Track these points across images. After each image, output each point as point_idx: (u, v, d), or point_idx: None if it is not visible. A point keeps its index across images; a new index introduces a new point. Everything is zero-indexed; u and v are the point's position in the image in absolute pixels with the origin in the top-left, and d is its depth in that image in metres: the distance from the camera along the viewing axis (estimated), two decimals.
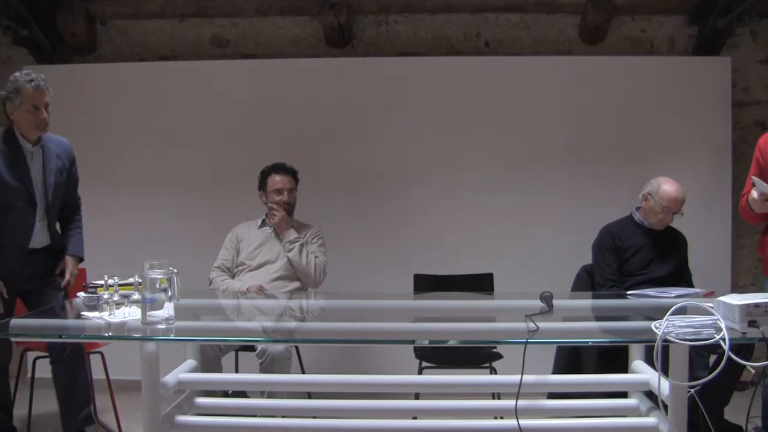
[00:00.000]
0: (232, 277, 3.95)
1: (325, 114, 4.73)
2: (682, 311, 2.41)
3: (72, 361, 3.37)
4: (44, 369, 3.46)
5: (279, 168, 4.02)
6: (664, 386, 2.64)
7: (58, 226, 3.50)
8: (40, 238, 3.36)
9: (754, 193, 3.19)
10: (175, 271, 2.59)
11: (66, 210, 3.54)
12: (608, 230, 3.82)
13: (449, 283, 4.03)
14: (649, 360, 2.82)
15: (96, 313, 2.75)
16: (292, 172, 4.04)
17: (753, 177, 3.22)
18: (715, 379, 2.37)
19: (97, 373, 3.59)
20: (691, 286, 3.68)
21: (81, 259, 3.53)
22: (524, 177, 4.67)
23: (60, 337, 3.07)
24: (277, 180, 3.99)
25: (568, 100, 4.68)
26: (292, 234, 3.93)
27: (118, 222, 4.28)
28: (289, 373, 3.51)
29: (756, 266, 4.73)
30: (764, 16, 4.76)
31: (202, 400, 3.05)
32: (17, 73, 3.27)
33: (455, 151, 4.70)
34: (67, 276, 3.40)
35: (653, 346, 2.29)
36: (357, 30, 4.95)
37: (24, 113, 3.26)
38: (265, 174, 4.02)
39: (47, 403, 3.87)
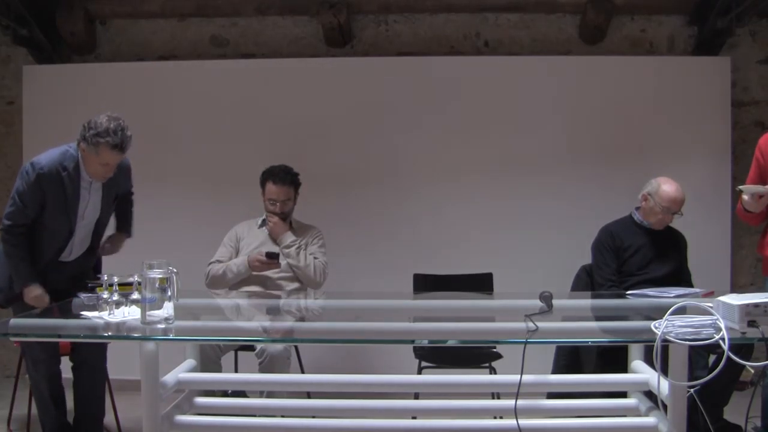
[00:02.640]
0: None
1: (325, 114, 4.73)
2: (681, 311, 2.41)
3: (96, 368, 3.41)
4: None
5: (276, 176, 3.92)
6: (663, 386, 2.64)
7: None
8: (73, 254, 3.36)
9: (745, 197, 3.21)
10: (175, 271, 2.59)
11: (122, 203, 3.57)
12: (608, 230, 3.82)
13: (449, 283, 4.03)
14: (649, 360, 2.82)
15: (96, 313, 2.75)
16: (290, 180, 3.94)
17: (741, 187, 3.25)
18: (715, 379, 2.37)
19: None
20: (691, 285, 3.68)
21: (128, 236, 3.55)
22: (524, 177, 4.67)
23: (60, 336, 3.09)
24: (272, 190, 3.92)
25: (568, 100, 4.68)
26: (287, 238, 3.90)
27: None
28: (288, 372, 3.51)
29: (756, 266, 4.73)
30: (764, 16, 4.76)
31: (201, 400, 3.05)
32: (106, 122, 3.09)
33: (455, 151, 4.70)
34: (107, 244, 3.40)
35: (653, 346, 2.29)
36: (357, 30, 4.95)
37: (94, 163, 3.16)
38: (264, 177, 3.97)
39: None
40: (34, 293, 3.18)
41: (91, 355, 3.42)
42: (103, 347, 3.46)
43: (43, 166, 3.13)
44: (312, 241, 3.98)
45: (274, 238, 3.93)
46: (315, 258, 3.91)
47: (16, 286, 3.20)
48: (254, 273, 3.83)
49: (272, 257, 3.76)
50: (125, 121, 3.17)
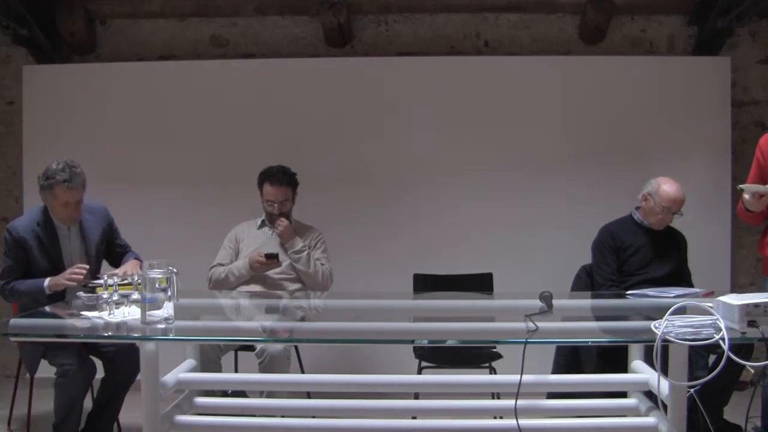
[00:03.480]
0: None
1: (325, 114, 4.73)
2: (681, 311, 2.41)
3: (126, 365, 3.38)
4: (43, 369, 3.45)
5: (273, 177, 3.91)
6: (663, 386, 2.65)
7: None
8: (66, 294, 3.40)
9: (746, 196, 3.21)
10: (175, 271, 2.59)
11: (117, 254, 3.66)
12: (608, 230, 3.82)
13: (449, 283, 4.03)
14: (649, 360, 2.82)
15: (96, 313, 2.75)
16: (287, 181, 3.93)
17: (741, 186, 3.25)
18: (715, 379, 2.37)
19: (96, 372, 3.59)
20: (691, 285, 3.68)
21: (140, 261, 3.55)
22: (524, 177, 4.67)
23: (59, 336, 3.09)
24: (269, 191, 3.92)
25: (568, 100, 4.68)
26: (297, 243, 3.88)
27: (118, 222, 4.27)
28: (288, 372, 3.50)
29: (756, 266, 4.73)
30: (764, 16, 4.76)
31: (201, 400, 3.06)
32: (54, 165, 3.30)
33: (455, 151, 4.70)
34: (120, 270, 3.42)
35: (653, 346, 2.29)
36: (357, 30, 4.95)
37: (56, 207, 3.36)
38: (261, 178, 3.96)
39: (47, 403, 3.87)
40: (56, 281, 3.26)
41: (122, 356, 3.39)
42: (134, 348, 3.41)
43: (16, 227, 3.39)
44: (315, 245, 3.97)
45: (284, 243, 3.91)
46: (322, 264, 3.92)
47: (42, 298, 3.31)
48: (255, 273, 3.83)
49: (271, 257, 3.76)
50: (74, 161, 3.38)
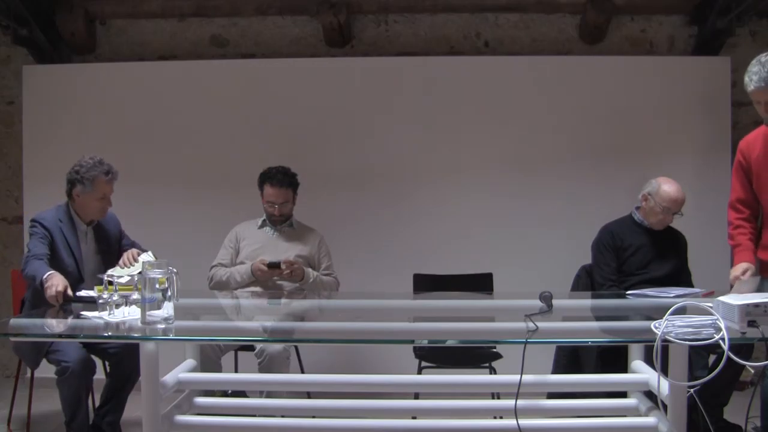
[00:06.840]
0: None
1: (324, 114, 4.73)
2: (681, 311, 2.41)
3: (128, 364, 3.39)
4: (43, 369, 3.46)
5: (274, 178, 3.90)
6: (663, 386, 2.65)
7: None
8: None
9: (737, 271, 3.09)
10: (175, 271, 2.59)
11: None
12: (608, 230, 3.82)
13: (448, 283, 4.03)
14: (649, 360, 2.82)
15: (95, 313, 2.75)
16: (288, 183, 3.92)
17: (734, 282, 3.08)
18: (715, 379, 2.37)
19: (96, 372, 3.59)
20: (691, 285, 3.68)
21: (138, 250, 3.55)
22: (524, 177, 4.68)
23: (60, 336, 3.09)
24: (270, 192, 3.91)
25: (568, 100, 4.68)
26: (309, 277, 3.85)
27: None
28: (287, 372, 3.51)
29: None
30: (764, 16, 4.76)
31: (201, 400, 3.05)
32: (90, 160, 3.40)
33: (455, 151, 4.70)
34: (120, 262, 3.42)
35: (653, 345, 2.29)
36: (356, 30, 4.95)
37: (92, 200, 3.43)
38: (261, 179, 3.96)
39: (47, 403, 3.88)
40: (48, 285, 3.07)
41: (125, 354, 3.40)
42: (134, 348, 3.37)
43: (44, 217, 3.43)
44: (320, 256, 3.98)
45: (297, 282, 3.87)
46: (328, 274, 3.94)
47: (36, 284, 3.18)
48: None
49: (273, 266, 3.76)
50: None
